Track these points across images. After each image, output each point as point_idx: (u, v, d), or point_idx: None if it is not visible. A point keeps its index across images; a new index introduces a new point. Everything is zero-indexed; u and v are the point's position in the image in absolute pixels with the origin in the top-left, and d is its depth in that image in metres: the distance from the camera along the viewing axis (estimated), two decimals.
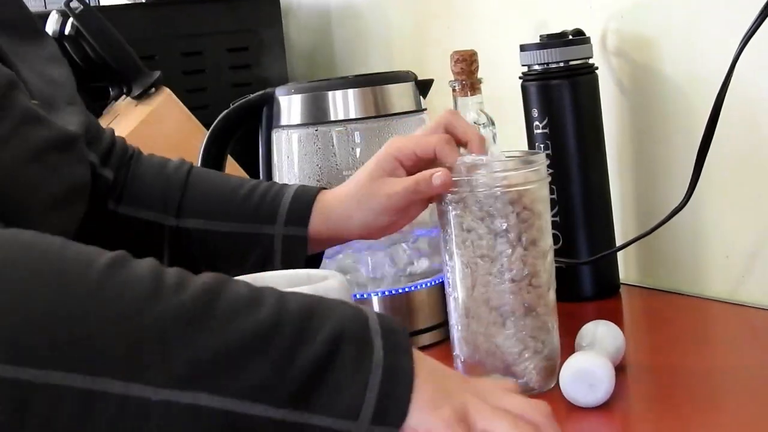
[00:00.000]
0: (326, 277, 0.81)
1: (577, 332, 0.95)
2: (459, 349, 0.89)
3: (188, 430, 0.59)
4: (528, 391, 0.86)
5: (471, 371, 0.87)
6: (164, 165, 1.00)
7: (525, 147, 1.18)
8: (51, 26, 1.50)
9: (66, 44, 1.52)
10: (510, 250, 0.85)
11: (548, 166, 1.14)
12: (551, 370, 0.88)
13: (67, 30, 1.49)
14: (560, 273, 1.17)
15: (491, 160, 0.89)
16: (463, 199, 0.86)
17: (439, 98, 1.28)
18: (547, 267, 0.88)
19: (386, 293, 1.04)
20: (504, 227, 0.85)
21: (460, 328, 0.89)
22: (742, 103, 1.05)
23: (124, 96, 1.55)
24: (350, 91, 1.07)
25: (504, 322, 0.86)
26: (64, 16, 1.50)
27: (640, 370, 0.96)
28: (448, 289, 0.89)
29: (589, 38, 1.17)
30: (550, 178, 0.89)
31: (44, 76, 0.87)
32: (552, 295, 0.89)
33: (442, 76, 1.27)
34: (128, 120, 1.50)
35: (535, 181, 0.86)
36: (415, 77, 1.12)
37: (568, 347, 1.01)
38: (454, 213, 0.86)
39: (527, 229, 0.85)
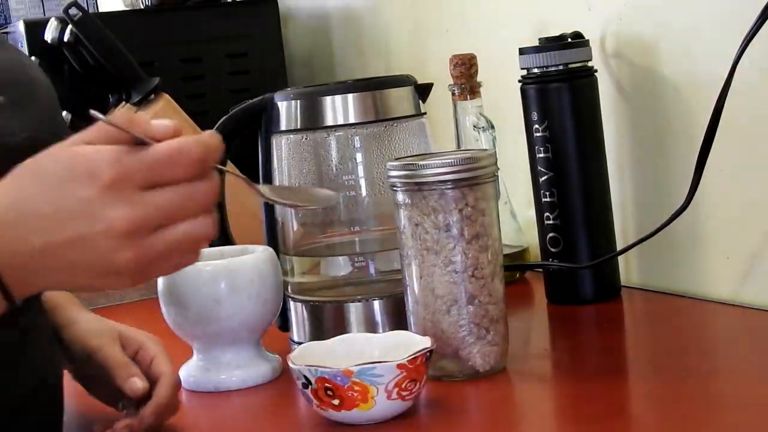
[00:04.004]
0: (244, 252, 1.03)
1: (577, 335, 0.95)
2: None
3: None
4: (474, 374, 0.93)
5: None
6: None
7: (525, 150, 1.18)
8: (50, 33, 1.51)
9: (65, 51, 1.52)
10: (452, 244, 0.92)
11: (548, 169, 1.15)
12: (496, 355, 0.94)
13: (66, 37, 1.49)
14: (560, 275, 1.18)
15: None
16: (412, 196, 0.93)
17: (439, 102, 1.28)
18: (490, 259, 0.94)
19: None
20: (447, 222, 0.92)
21: (412, 314, 0.96)
22: (742, 104, 1.05)
23: (123, 102, 1.55)
24: (349, 96, 1.07)
25: (448, 309, 0.93)
26: (63, 24, 1.50)
27: (641, 373, 0.96)
28: (403, 279, 0.96)
29: (588, 41, 1.17)
30: (496, 177, 0.95)
31: None
32: (498, 285, 0.95)
33: (442, 80, 1.27)
34: None
35: (480, 181, 0.92)
36: (415, 81, 1.12)
37: (563, 349, 1.02)
38: (404, 208, 0.93)
39: (470, 224, 0.92)
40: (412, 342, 0.89)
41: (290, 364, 0.86)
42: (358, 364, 0.84)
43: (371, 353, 0.90)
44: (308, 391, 0.85)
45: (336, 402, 0.84)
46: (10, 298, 0.67)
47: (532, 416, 0.89)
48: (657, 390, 0.88)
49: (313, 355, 0.89)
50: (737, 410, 0.82)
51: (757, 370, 0.90)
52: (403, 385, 0.84)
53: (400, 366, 0.83)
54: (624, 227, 1.23)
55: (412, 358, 0.84)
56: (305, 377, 0.84)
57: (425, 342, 0.88)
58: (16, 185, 0.67)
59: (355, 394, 0.83)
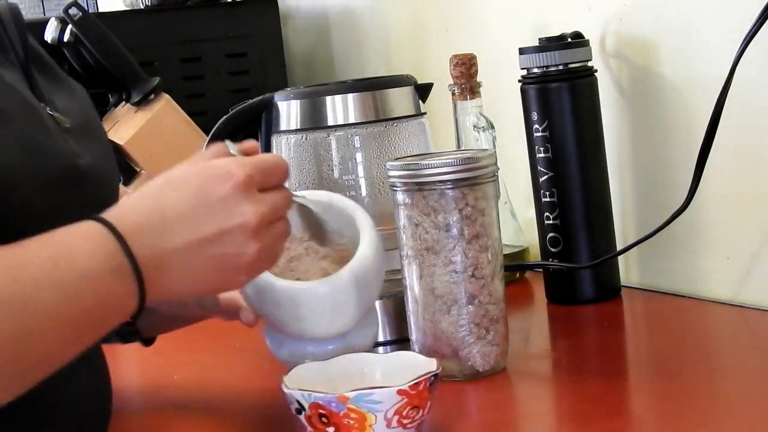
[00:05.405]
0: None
1: (577, 335, 0.95)
2: (413, 334, 0.96)
3: None
4: (474, 374, 0.93)
5: (425, 355, 0.89)
6: None
7: (525, 150, 1.18)
8: (50, 33, 1.50)
9: (65, 51, 1.52)
10: (452, 244, 0.92)
11: (548, 169, 1.15)
12: (496, 355, 0.94)
13: (66, 37, 1.49)
14: (560, 275, 1.18)
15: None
16: (412, 196, 0.92)
17: (439, 102, 1.28)
18: (490, 259, 0.94)
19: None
20: (447, 223, 0.91)
21: (411, 314, 0.95)
22: (742, 104, 1.05)
23: (123, 102, 1.55)
24: (349, 96, 1.07)
25: (448, 309, 0.93)
26: (63, 24, 1.50)
27: (641, 373, 0.96)
28: (403, 279, 0.96)
29: (588, 41, 1.17)
30: (496, 177, 0.95)
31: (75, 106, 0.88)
32: (498, 285, 0.94)
33: (442, 80, 1.27)
34: (128, 126, 1.50)
35: (480, 181, 0.92)
36: (415, 81, 1.12)
37: (563, 349, 1.02)
38: (404, 208, 0.93)
39: (470, 224, 0.92)
40: (416, 364, 0.83)
41: (282, 388, 0.79)
42: (355, 389, 0.77)
43: (372, 376, 0.85)
44: (302, 417, 0.79)
45: (331, 430, 0.77)
46: (142, 301, 0.70)
47: (532, 416, 0.89)
48: (657, 390, 0.88)
49: (310, 377, 0.83)
50: (737, 410, 0.82)
51: (757, 370, 0.90)
52: (404, 413, 0.77)
53: (400, 392, 0.77)
54: (624, 227, 1.23)
55: (414, 384, 0.77)
56: (298, 402, 0.78)
57: (430, 365, 0.82)
58: (156, 193, 0.73)
59: (352, 422, 0.77)
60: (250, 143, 0.80)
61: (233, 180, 0.73)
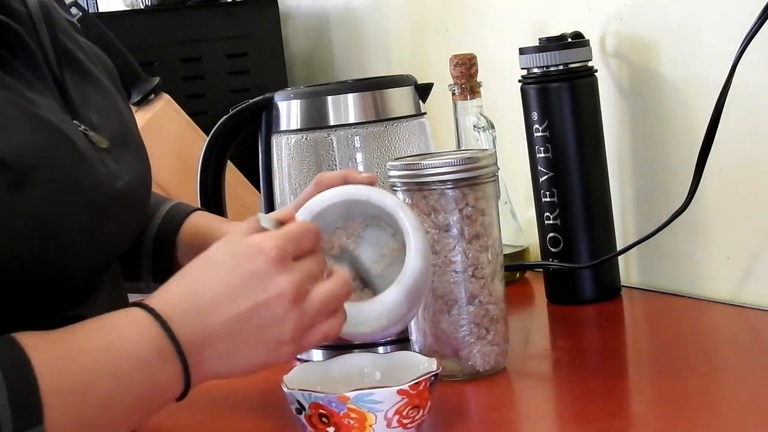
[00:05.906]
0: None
1: (577, 335, 0.95)
2: (413, 334, 0.96)
3: None
4: (474, 374, 0.93)
5: (425, 355, 0.89)
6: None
7: (525, 150, 1.18)
8: None
9: None
10: (453, 244, 0.92)
11: (548, 169, 1.15)
12: (496, 355, 0.94)
13: None
14: (560, 275, 1.18)
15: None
16: (412, 196, 0.92)
17: (439, 102, 1.28)
18: (491, 259, 0.93)
19: None
20: (448, 222, 0.91)
21: None
22: (742, 104, 1.05)
23: None
24: (350, 96, 1.07)
25: (449, 309, 0.93)
26: None
27: (641, 373, 0.96)
28: None
29: (588, 41, 1.17)
30: (496, 177, 0.95)
31: (109, 113, 0.88)
32: (498, 285, 0.94)
33: (442, 80, 1.27)
34: None
35: (480, 180, 0.92)
36: (415, 81, 1.12)
37: (563, 349, 1.02)
38: None
39: (470, 224, 0.92)
40: (416, 364, 0.84)
41: (282, 388, 0.80)
42: (355, 389, 0.78)
43: (372, 376, 0.85)
44: (302, 417, 0.79)
45: (331, 430, 0.78)
46: (187, 385, 0.72)
47: (532, 416, 0.89)
48: (657, 390, 0.88)
49: (310, 377, 0.84)
50: (737, 410, 0.82)
51: (757, 370, 0.90)
52: (405, 413, 0.78)
53: (400, 392, 0.77)
54: (624, 227, 1.23)
55: (414, 383, 0.78)
56: (298, 402, 0.79)
57: (430, 365, 0.83)
58: (193, 277, 0.74)
59: (352, 422, 0.77)
60: (283, 214, 0.80)
61: (266, 255, 0.73)
